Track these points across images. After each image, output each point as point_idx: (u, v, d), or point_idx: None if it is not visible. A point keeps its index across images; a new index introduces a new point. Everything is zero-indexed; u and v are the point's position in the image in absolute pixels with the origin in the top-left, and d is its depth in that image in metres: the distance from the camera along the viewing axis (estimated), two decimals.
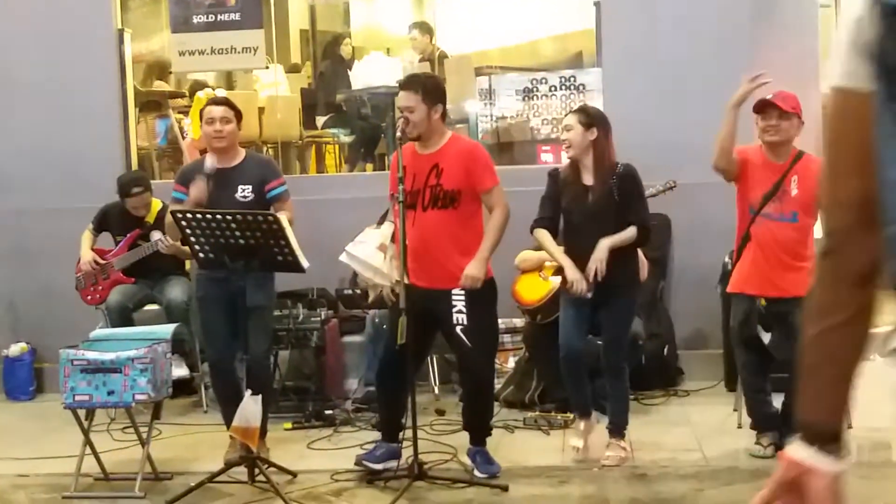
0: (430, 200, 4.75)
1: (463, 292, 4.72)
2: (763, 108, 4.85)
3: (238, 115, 5.21)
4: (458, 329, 4.72)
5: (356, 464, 4.86)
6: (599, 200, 4.82)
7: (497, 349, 5.43)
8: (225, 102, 5.28)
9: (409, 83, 4.86)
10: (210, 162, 5.04)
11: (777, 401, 5.06)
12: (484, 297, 4.81)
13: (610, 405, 5.11)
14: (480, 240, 4.85)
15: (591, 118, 4.91)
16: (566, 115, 5.03)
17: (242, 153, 5.26)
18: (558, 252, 4.93)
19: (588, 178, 4.90)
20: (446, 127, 4.94)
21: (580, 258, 4.87)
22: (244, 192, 5.09)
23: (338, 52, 9.19)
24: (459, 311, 4.73)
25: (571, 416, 5.49)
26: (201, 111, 5.37)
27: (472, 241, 4.84)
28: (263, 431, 5.03)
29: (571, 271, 4.80)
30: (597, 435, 5.13)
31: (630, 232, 4.83)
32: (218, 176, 5.08)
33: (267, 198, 5.12)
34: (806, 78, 6.79)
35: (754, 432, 5.09)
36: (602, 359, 5.03)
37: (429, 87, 4.81)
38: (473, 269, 4.74)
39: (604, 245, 4.77)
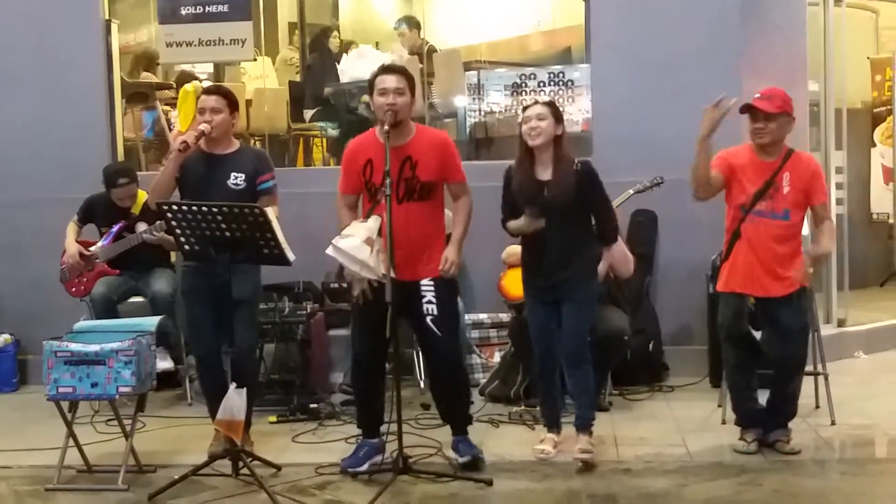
0: (406, 193, 4.72)
1: (431, 283, 4.74)
2: (750, 109, 4.83)
3: (232, 104, 5.18)
4: (427, 319, 4.73)
5: (341, 471, 4.84)
6: (558, 196, 4.76)
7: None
8: (217, 92, 5.24)
9: (397, 68, 4.86)
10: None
11: (762, 397, 5.07)
12: (450, 287, 4.86)
13: (574, 400, 5.06)
14: (443, 231, 4.89)
15: (559, 113, 4.89)
16: (533, 105, 4.86)
17: (237, 144, 5.25)
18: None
19: (543, 174, 4.84)
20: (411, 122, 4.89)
21: (537, 252, 4.87)
22: (237, 179, 5.07)
23: (326, 46, 9.16)
24: (429, 302, 4.73)
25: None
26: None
27: (438, 231, 4.88)
28: (248, 424, 5.02)
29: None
30: (573, 428, 5.12)
31: (609, 252, 5.04)
32: (211, 161, 5.08)
33: (257, 189, 5.11)
34: (794, 76, 6.82)
35: (738, 428, 5.10)
36: (563, 351, 4.93)
37: (410, 78, 4.82)
38: (454, 255, 4.78)
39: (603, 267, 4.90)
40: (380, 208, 4.65)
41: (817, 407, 5.68)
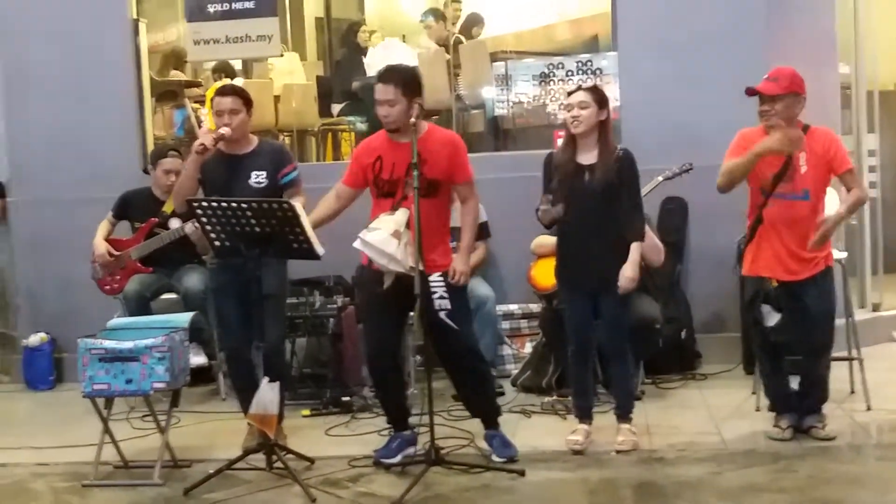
0: (406, 192, 4.69)
1: (441, 278, 4.73)
2: (753, 92, 4.79)
3: (248, 102, 5.19)
4: (441, 314, 4.72)
5: (374, 463, 4.86)
6: (600, 180, 4.77)
7: None
8: (232, 92, 5.23)
9: (388, 76, 4.77)
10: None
11: (794, 383, 5.04)
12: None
13: (614, 389, 5.11)
14: (447, 226, 4.89)
15: (603, 98, 4.89)
16: (575, 91, 4.92)
17: (255, 140, 5.25)
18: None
19: (585, 158, 4.85)
20: (421, 120, 4.83)
21: (575, 241, 4.86)
22: (258, 178, 5.10)
23: (354, 40, 9.17)
24: (441, 297, 4.72)
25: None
26: (211, 101, 5.36)
27: (444, 230, 4.88)
28: (280, 418, 5.05)
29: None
30: (607, 417, 5.13)
31: (636, 251, 4.84)
32: (231, 162, 5.10)
33: (280, 183, 5.13)
34: (823, 58, 6.75)
35: (773, 415, 5.07)
36: (605, 343, 5.00)
37: (408, 81, 4.76)
38: (462, 265, 4.79)
39: (629, 272, 4.80)
40: (407, 202, 4.66)
41: (852, 392, 5.63)
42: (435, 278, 4.73)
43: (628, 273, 4.81)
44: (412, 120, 4.65)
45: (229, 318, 5.18)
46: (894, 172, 9.15)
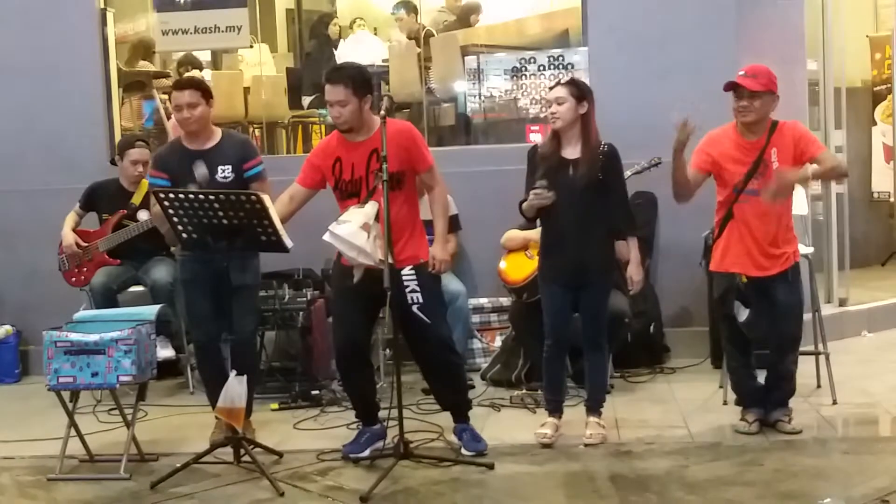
0: (375, 185, 4.68)
1: (413, 271, 4.72)
2: (734, 87, 4.81)
3: (207, 94, 5.12)
4: (415, 308, 4.71)
5: (343, 457, 4.85)
6: (584, 174, 4.78)
7: None
8: (189, 85, 5.14)
9: (337, 77, 4.73)
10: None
11: (762, 377, 5.07)
12: (432, 275, 4.83)
13: (587, 382, 5.10)
14: (418, 218, 4.86)
15: (582, 91, 4.88)
16: (554, 87, 4.94)
17: (218, 133, 5.20)
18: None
19: (570, 152, 4.86)
20: (373, 114, 4.81)
21: (559, 234, 4.87)
22: (224, 172, 5.06)
23: (324, 32, 9.13)
24: (413, 291, 4.71)
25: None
26: (169, 95, 5.29)
27: (414, 221, 4.85)
28: (249, 412, 5.03)
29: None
30: (576, 412, 5.15)
31: (635, 245, 4.96)
32: (196, 158, 5.05)
33: (245, 177, 5.09)
34: (792, 54, 6.80)
35: (739, 409, 5.10)
36: (582, 336, 5.01)
37: (357, 80, 4.72)
38: (441, 252, 4.79)
39: (637, 274, 4.96)
40: (377, 195, 4.64)
41: (818, 386, 5.68)
42: (407, 271, 4.72)
43: (636, 276, 4.94)
44: (381, 113, 4.64)
45: (199, 310, 5.14)
46: (861, 168, 9.26)
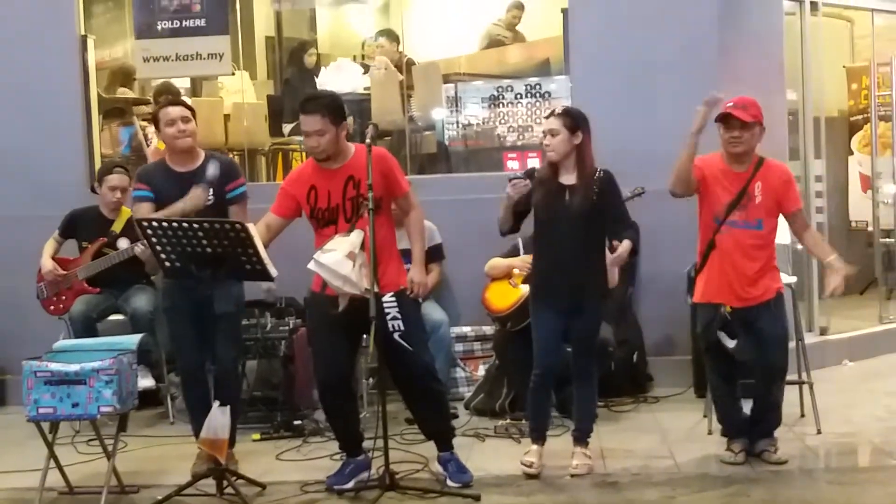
0: (353, 212, 4.66)
1: (394, 298, 4.68)
2: (725, 118, 4.83)
3: (194, 113, 5.14)
4: (396, 335, 4.67)
5: (327, 489, 4.80)
6: (580, 201, 4.78)
7: None
8: (179, 102, 5.20)
9: (313, 107, 4.69)
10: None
11: (746, 407, 5.07)
12: (413, 302, 4.82)
13: (576, 412, 5.08)
14: (394, 245, 4.83)
15: (576, 121, 4.86)
16: (548, 118, 4.92)
17: (202, 154, 5.18)
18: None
19: (567, 178, 4.86)
20: (348, 142, 4.81)
21: (553, 257, 4.86)
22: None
23: (303, 61, 9.12)
24: (394, 318, 4.67)
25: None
26: (155, 115, 5.27)
27: (392, 249, 4.82)
28: (232, 442, 4.97)
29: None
30: (560, 441, 5.13)
31: (627, 245, 4.90)
32: (181, 179, 5.02)
33: (227, 197, 5.06)
34: (772, 84, 6.85)
35: (725, 439, 5.09)
36: (572, 364, 4.99)
37: (332, 108, 4.69)
38: (419, 275, 4.78)
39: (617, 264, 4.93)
40: (361, 223, 4.62)
41: (802, 416, 5.69)
42: (387, 299, 4.68)
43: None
44: (367, 141, 4.62)
45: (183, 339, 5.10)
46: (838, 198, 9.33)
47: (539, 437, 5.03)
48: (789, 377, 5.21)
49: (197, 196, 4.93)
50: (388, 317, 4.67)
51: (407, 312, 4.73)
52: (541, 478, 4.86)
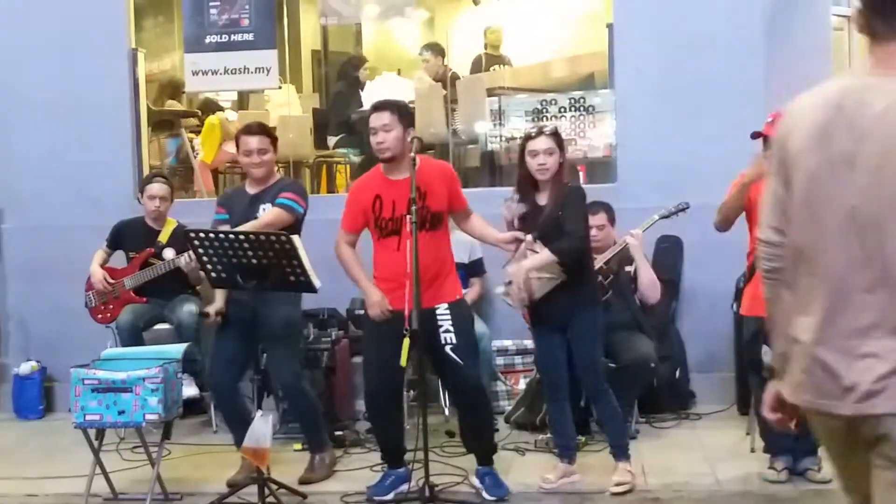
0: (418, 223, 4.65)
1: (448, 311, 4.71)
2: (760, 136, 4.80)
3: (274, 140, 5.23)
4: (447, 349, 4.69)
5: (367, 500, 4.83)
6: (548, 221, 4.69)
7: None
8: (260, 131, 5.19)
9: (382, 105, 4.84)
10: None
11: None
12: (466, 314, 4.87)
13: (606, 429, 5.05)
14: (451, 257, 4.90)
15: (562, 141, 4.82)
16: (539, 137, 4.74)
17: (277, 177, 5.31)
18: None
19: (543, 198, 4.78)
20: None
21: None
22: (264, 208, 5.12)
23: (354, 74, 9.18)
24: (447, 331, 4.70)
25: (584, 438, 5.46)
26: (237, 137, 5.31)
27: (448, 259, 4.88)
28: (317, 449, 5.20)
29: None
30: (601, 456, 5.11)
31: (546, 254, 4.65)
32: (252, 200, 5.15)
33: (274, 204, 5.12)
34: None
35: (768, 456, 5.05)
36: (583, 386, 4.98)
37: (403, 111, 4.82)
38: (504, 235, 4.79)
39: (523, 268, 4.67)
40: (407, 237, 4.66)
41: None
42: (442, 311, 4.71)
43: (520, 274, 4.65)
44: (411, 154, 4.66)
45: (219, 353, 5.18)
46: None
47: (564, 454, 4.99)
48: None
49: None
50: (441, 329, 4.70)
51: (459, 326, 4.74)
52: (582, 493, 4.84)
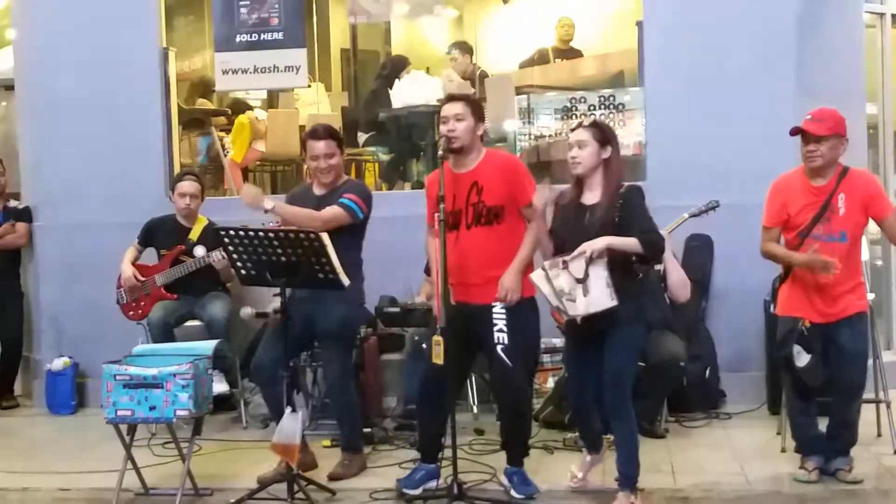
0: (474, 218, 4.69)
1: (504, 311, 4.66)
2: (799, 131, 4.77)
3: (341, 143, 5.22)
4: (498, 348, 4.67)
5: (397, 494, 4.84)
6: (600, 222, 4.41)
7: (536, 369, 5.40)
8: (325, 136, 5.13)
9: (458, 96, 4.90)
10: None
11: (822, 424, 4.98)
12: (525, 316, 4.73)
13: (618, 453, 4.57)
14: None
15: (606, 135, 4.53)
16: (576, 128, 4.56)
17: (345, 178, 5.33)
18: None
19: (590, 198, 4.52)
20: (483, 146, 4.87)
21: None
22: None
23: (393, 76, 9.13)
24: (500, 331, 4.66)
25: (612, 437, 5.42)
26: (304, 141, 5.30)
27: (511, 255, 4.75)
28: (352, 450, 5.24)
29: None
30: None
31: (632, 240, 4.36)
32: (317, 200, 5.16)
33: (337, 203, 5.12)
34: (851, 98, 6.74)
35: (798, 456, 5.01)
36: (605, 403, 4.54)
37: (475, 104, 4.84)
38: (508, 280, 4.63)
39: (602, 240, 4.33)
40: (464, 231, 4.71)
41: (879, 435, 5.56)
42: (498, 310, 4.68)
43: (598, 244, 4.32)
44: (440, 153, 4.66)
45: (268, 338, 5.27)
46: None
47: (590, 445, 4.86)
48: (866, 395, 5.11)
49: None
50: (495, 328, 4.67)
51: (514, 327, 4.68)
52: (610, 492, 4.77)
